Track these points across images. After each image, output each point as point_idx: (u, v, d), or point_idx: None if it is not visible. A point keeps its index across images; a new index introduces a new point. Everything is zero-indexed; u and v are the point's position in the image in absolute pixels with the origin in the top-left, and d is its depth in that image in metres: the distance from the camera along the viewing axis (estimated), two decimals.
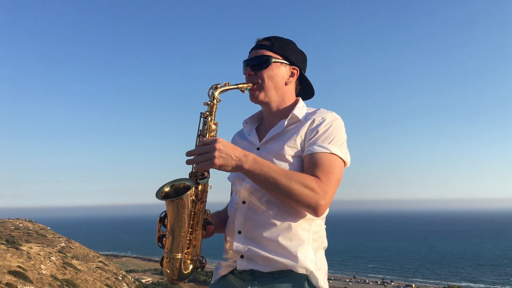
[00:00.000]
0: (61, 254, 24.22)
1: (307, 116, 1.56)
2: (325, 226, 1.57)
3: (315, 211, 1.38)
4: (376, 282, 56.99)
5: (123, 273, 30.97)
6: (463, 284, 54.48)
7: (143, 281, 42.81)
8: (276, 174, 1.35)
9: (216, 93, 1.49)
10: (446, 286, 46.01)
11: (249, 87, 1.56)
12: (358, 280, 58.81)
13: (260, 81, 1.57)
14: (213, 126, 1.48)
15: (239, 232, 1.50)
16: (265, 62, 1.56)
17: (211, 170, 1.42)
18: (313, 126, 1.50)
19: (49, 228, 38.96)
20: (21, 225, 37.02)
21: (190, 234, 1.43)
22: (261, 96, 1.58)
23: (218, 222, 1.62)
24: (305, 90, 1.71)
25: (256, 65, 1.57)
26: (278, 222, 1.45)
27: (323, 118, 1.52)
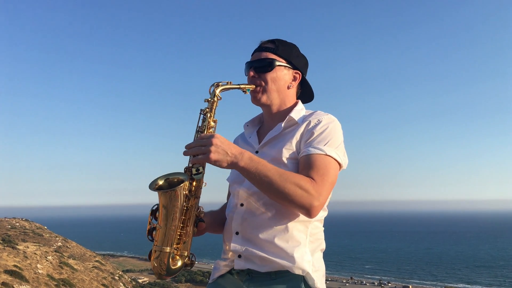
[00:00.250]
0: (58, 254, 24.16)
1: (304, 118, 1.57)
2: (323, 228, 1.58)
3: (309, 212, 1.38)
4: (373, 283, 57.09)
5: (120, 273, 30.91)
6: (460, 285, 54.73)
7: (140, 281, 42.75)
8: (271, 174, 1.35)
9: (217, 91, 1.50)
10: (443, 287, 46.15)
11: (251, 89, 1.58)
12: (355, 281, 58.88)
13: (263, 83, 1.58)
14: (212, 123, 1.49)
15: (237, 233, 1.52)
16: (269, 65, 1.57)
17: (207, 168, 1.43)
18: (309, 127, 1.51)
19: (45, 227, 38.86)
20: (17, 224, 36.90)
21: (181, 229, 1.42)
22: (263, 98, 1.59)
23: (212, 221, 1.63)
24: (305, 93, 1.73)
25: (260, 67, 1.58)
26: (275, 224, 1.46)
27: (319, 120, 1.53)
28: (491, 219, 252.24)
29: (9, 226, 35.50)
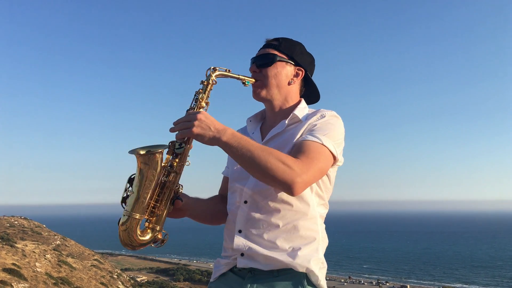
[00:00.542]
0: (56, 252, 24.16)
1: (307, 116, 1.56)
2: (324, 225, 1.58)
3: (290, 189, 1.33)
4: (371, 282, 57.13)
5: (118, 272, 30.92)
6: (458, 285, 54.79)
7: (138, 279, 42.75)
8: (253, 148, 1.34)
9: (214, 75, 1.49)
10: (441, 287, 46.23)
11: (251, 82, 1.58)
12: (353, 280, 58.93)
13: (263, 78, 1.59)
14: (203, 104, 1.48)
15: (240, 231, 1.50)
16: (270, 60, 1.58)
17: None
18: (311, 121, 1.52)
19: (44, 225, 38.82)
20: (16, 222, 36.85)
21: (155, 201, 1.41)
22: (263, 93, 1.59)
23: (195, 207, 1.60)
24: (310, 93, 1.71)
25: (261, 62, 1.59)
26: (280, 223, 1.46)
27: (322, 115, 1.53)
28: (489, 220, 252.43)
29: (8, 225, 35.46)
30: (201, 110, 1.42)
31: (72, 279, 20.61)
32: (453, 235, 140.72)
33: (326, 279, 1.55)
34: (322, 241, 1.53)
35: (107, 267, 29.80)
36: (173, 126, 1.38)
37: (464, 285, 57.56)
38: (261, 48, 1.66)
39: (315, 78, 1.71)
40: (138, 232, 1.40)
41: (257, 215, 1.48)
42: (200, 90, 1.49)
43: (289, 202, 1.46)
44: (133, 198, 1.38)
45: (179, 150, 1.41)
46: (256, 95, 1.61)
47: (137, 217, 1.38)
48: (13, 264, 17.15)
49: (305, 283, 1.44)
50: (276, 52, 1.60)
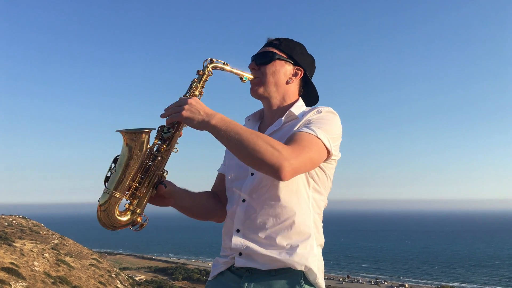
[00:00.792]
0: (55, 251, 24.14)
1: (304, 113, 1.56)
2: (322, 223, 1.57)
3: (278, 172, 1.30)
4: (370, 281, 57.27)
5: (117, 271, 30.91)
6: (455, 284, 54.92)
7: (137, 278, 42.76)
8: (242, 131, 1.33)
9: (210, 66, 1.50)
10: (439, 286, 46.34)
11: (249, 79, 1.58)
12: (352, 279, 59.07)
13: (261, 75, 1.59)
14: (197, 93, 1.48)
15: (238, 231, 1.50)
16: (269, 58, 1.59)
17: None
18: (307, 117, 1.52)
19: (42, 224, 38.79)
20: (14, 221, 36.81)
21: (138, 183, 1.39)
22: (261, 90, 1.60)
23: (182, 198, 1.57)
24: (309, 94, 1.70)
25: (260, 59, 1.60)
26: (278, 221, 1.45)
27: (318, 111, 1.53)
28: (487, 219, 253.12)
29: (6, 224, 35.41)
30: (192, 96, 1.43)
31: (71, 278, 20.59)
32: (451, 234, 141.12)
33: (325, 278, 1.54)
34: (319, 237, 1.52)
35: (105, 266, 29.79)
36: (164, 111, 1.40)
37: (462, 284, 57.73)
38: (262, 47, 1.66)
39: (315, 78, 1.71)
40: (117, 212, 1.38)
41: (254, 214, 1.48)
42: (195, 80, 1.50)
43: (286, 199, 1.46)
44: (115, 176, 1.37)
45: (166, 134, 1.41)
46: (254, 92, 1.61)
47: (117, 195, 1.36)
48: (11, 263, 17.13)
49: (302, 282, 1.43)
50: (275, 51, 1.60)
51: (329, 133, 1.45)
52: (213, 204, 1.66)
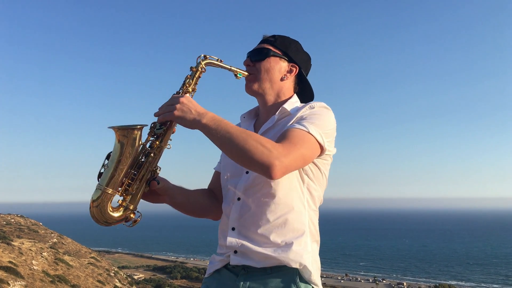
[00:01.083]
0: (53, 250, 24.11)
1: (297, 109, 1.55)
2: (317, 220, 1.56)
3: (268, 171, 1.30)
4: (368, 280, 57.34)
5: (115, 269, 30.87)
6: (453, 282, 55.02)
7: (135, 277, 42.71)
8: (232, 130, 1.33)
9: (203, 63, 1.49)
10: (437, 284, 46.43)
11: (244, 75, 1.57)
12: (350, 277, 59.13)
13: (256, 72, 1.58)
14: (190, 90, 1.48)
15: (233, 229, 1.50)
16: (264, 54, 1.58)
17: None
18: (300, 112, 1.51)
19: (41, 223, 38.67)
20: (12, 220, 36.71)
21: (130, 180, 1.40)
22: (255, 86, 1.59)
23: (176, 195, 1.58)
24: (304, 91, 1.69)
25: (254, 56, 1.60)
26: (272, 218, 1.45)
27: (311, 106, 1.52)
28: (484, 217, 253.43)
29: (4, 222, 35.33)
30: (185, 94, 1.43)
31: (69, 277, 20.57)
32: (449, 232, 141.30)
33: (323, 277, 1.55)
34: (314, 235, 1.51)
35: (104, 265, 29.76)
36: (158, 110, 1.41)
37: (460, 283, 57.84)
38: (258, 44, 1.66)
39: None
40: (110, 208, 1.38)
41: (249, 212, 1.48)
42: (188, 76, 1.49)
43: (281, 197, 1.46)
44: (107, 172, 1.37)
45: (159, 130, 1.41)
46: (248, 89, 1.61)
47: (110, 191, 1.36)
48: (10, 262, 17.10)
49: (298, 279, 1.42)
50: (270, 47, 1.60)
51: (322, 128, 1.44)
52: (209, 201, 1.67)
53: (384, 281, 56.43)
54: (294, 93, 1.67)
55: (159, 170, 1.46)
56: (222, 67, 1.52)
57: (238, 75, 1.55)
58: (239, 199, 1.52)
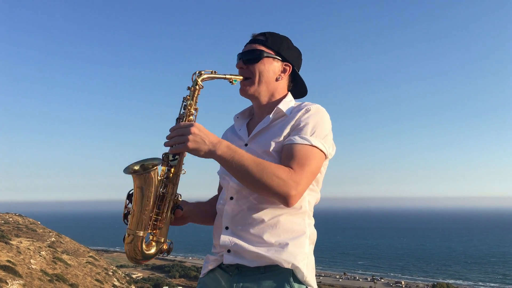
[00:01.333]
0: (51, 249, 24.07)
1: (292, 110, 1.55)
2: (313, 220, 1.57)
3: (286, 201, 1.36)
4: (366, 279, 57.44)
5: (114, 268, 30.84)
6: (451, 281, 55.19)
7: (134, 276, 42.71)
8: (247, 163, 1.35)
9: (199, 79, 1.48)
10: (435, 283, 46.57)
11: (239, 80, 1.56)
12: (348, 276, 59.25)
13: (251, 75, 1.57)
14: (193, 111, 1.47)
15: (226, 228, 1.50)
16: (257, 56, 1.56)
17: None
18: (297, 116, 1.50)
19: (39, 222, 38.57)
20: (10, 219, 36.62)
21: (156, 215, 1.43)
22: (251, 90, 1.58)
23: (196, 211, 1.63)
24: (297, 87, 1.69)
25: (248, 58, 1.57)
26: (266, 218, 1.45)
27: (307, 110, 1.51)
28: (482, 216, 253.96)
29: (2, 221, 35.25)
30: (193, 122, 1.40)
31: (67, 276, 20.55)
32: (447, 231, 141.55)
33: (321, 276, 1.55)
34: (309, 236, 1.50)
35: (102, 264, 29.74)
36: (167, 139, 1.38)
37: (458, 281, 57.98)
38: (247, 43, 1.63)
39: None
40: (144, 247, 1.42)
41: (242, 211, 1.48)
42: (188, 97, 1.48)
43: (273, 199, 1.45)
44: (134, 216, 1.41)
45: (173, 162, 1.42)
46: (244, 92, 1.59)
47: (141, 234, 1.40)
48: (8, 261, 17.08)
49: (291, 279, 1.42)
50: (263, 48, 1.58)
51: (322, 135, 1.47)
52: None
53: (382, 280, 56.54)
54: (288, 91, 1.67)
55: (180, 197, 1.49)
56: (217, 78, 1.52)
57: (233, 82, 1.55)
58: (231, 198, 1.52)
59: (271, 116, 1.55)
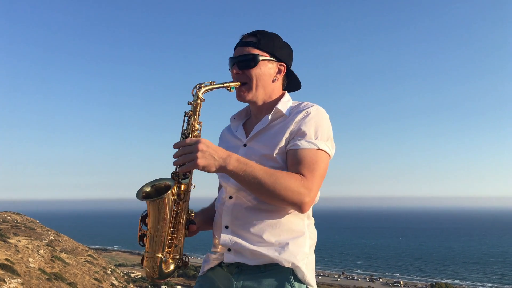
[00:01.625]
0: (50, 248, 24.05)
1: (291, 111, 1.54)
2: (313, 220, 1.58)
3: (300, 209, 1.39)
4: (365, 278, 57.53)
5: (112, 267, 30.85)
6: (449, 281, 55.29)
7: (132, 275, 42.68)
8: (259, 175, 1.35)
9: (200, 93, 1.47)
10: (433, 283, 46.66)
11: (236, 86, 1.54)
12: (347, 276, 59.32)
13: (248, 80, 1.55)
14: (197, 126, 1.46)
15: (226, 227, 1.51)
16: (253, 61, 1.54)
17: (196, 171, 1.41)
18: (298, 119, 1.49)
19: (37, 221, 38.57)
20: (9, 217, 36.61)
21: (171, 234, 1.44)
22: (249, 96, 1.57)
23: (205, 219, 1.64)
24: (291, 82, 1.69)
25: (243, 63, 1.54)
26: (266, 218, 1.46)
27: (307, 112, 1.50)
28: (481, 216, 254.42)
29: (1, 220, 35.22)
30: (199, 138, 1.36)
31: (66, 274, 20.54)
32: (446, 231, 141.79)
33: (320, 275, 1.55)
34: (310, 235, 1.52)
35: (100, 262, 29.73)
36: (174, 158, 1.37)
37: (456, 281, 58.09)
38: (238, 45, 1.59)
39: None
40: (163, 266, 1.44)
41: (242, 210, 1.49)
42: (191, 112, 1.47)
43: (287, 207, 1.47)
44: (152, 239, 1.42)
45: (185, 181, 1.43)
46: (242, 98, 1.58)
47: (159, 256, 1.42)
48: (6, 259, 17.06)
49: (292, 278, 1.43)
50: (257, 51, 1.55)
51: (325, 137, 1.48)
52: None
53: (380, 280, 56.62)
54: (284, 88, 1.67)
55: (193, 213, 1.51)
56: (216, 88, 1.51)
57: (231, 89, 1.53)
58: (231, 197, 1.53)
59: (270, 116, 1.55)
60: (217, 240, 1.55)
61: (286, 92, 1.65)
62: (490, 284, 57.70)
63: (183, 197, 1.44)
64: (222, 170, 1.35)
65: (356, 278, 58.11)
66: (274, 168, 1.41)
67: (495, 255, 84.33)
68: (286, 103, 1.58)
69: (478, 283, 58.40)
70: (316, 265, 1.57)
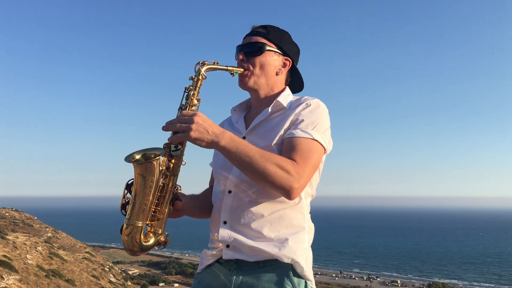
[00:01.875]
0: (48, 244, 24.05)
1: (291, 104, 1.55)
2: (309, 214, 1.56)
3: (288, 194, 1.36)
4: (362, 277, 57.67)
5: (110, 264, 30.87)
6: (446, 281, 55.43)
7: (130, 272, 42.74)
8: (252, 154, 1.33)
9: (203, 69, 1.46)
10: (430, 282, 46.79)
11: (239, 72, 1.54)
12: (345, 275, 59.45)
13: (251, 67, 1.56)
14: (195, 101, 1.45)
15: (225, 223, 1.49)
16: (259, 49, 1.55)
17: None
18: (298, 110, 1.50)
19: (35, 217, 38.53)
20: (7, 214, 36.56)
21: (155, 206, 1.40)
22: (251, 82, 1.57)
23: (191, 204, 1.60)
24: (295, 82, 1.70)
25: (249, 51, 1.56)
26: (265, 213, 1.45)
27: (307, 104, 1.51)
28: (478, 216, 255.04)
29: None
30: (196, 112, 1.37)
31: (64, 271, 20.55)
32: (443, 231, 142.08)
33: (318, 274, 1.55)
34: (308, 231, 1.51)
35: (98, 259, 29.75)
36: (166, 125, 1.35)
37: (453, 281, 58.25)
38: (247, 35, 1.61)
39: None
40: (142, 238, 1.40)
41: (242, 205, 1.47)
42: (191, 87, 1.46)
43: (274, 192, 1.44)
44: (134, 206, 1.38)
45: (175, 152, 1.40)
46: (244, 85, 1.58)
47: (140, 224, 1.38)
48: (4, 256, 17.05)
49: (291, 274, 1.43)
50: (264, 41, 1.56)
51: (322, 130, 1.47)
52: None
53: (378, 279, 56.79)
54: (286, 85, 1.67)
55: (180, 189, 1.48)
56: (219, 69, 1.51)
57: (234, 74, 1.53)
58: (230, 192, 1.51)
59: (270, 108, 1.55)
60: (214, 236, 1.52)
61: (287, 87, 1.66)
62: (487, 284, 57.88)
63: (172, 170, 1.41)
64: (214, 145, 1.33)
65: (353, 277, 58.26)
66: None
67: (492, 255, 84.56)
68: (287, 97, 1.59)
69: (475, 283, 58.57)
70: (313, 264, 1.56)
